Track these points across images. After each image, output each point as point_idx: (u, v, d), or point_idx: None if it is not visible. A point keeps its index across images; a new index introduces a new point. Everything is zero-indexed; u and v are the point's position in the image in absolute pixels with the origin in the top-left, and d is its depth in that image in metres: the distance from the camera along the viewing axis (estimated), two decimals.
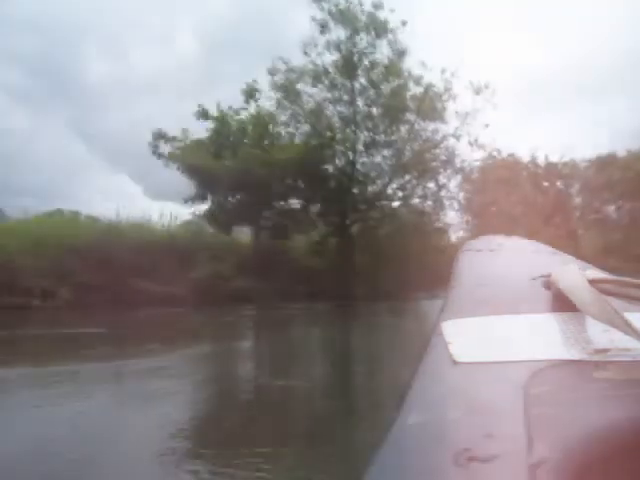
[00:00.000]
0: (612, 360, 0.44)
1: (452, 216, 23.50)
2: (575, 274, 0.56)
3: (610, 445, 0.34)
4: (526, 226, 22.96)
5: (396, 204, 22.89)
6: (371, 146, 22.11)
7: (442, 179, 22.67)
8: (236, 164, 19.54)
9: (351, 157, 22.03)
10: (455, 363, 0.46)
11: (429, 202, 22.87)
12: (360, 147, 22.11)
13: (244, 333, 11.19)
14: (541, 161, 28.09)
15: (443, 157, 22.28)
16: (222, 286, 16.17)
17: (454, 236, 24.34)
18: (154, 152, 20.67)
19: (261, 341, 10.15)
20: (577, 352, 0.45)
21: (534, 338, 0.50)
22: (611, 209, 29.23)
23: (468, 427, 0.36)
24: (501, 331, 0.53)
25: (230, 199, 21.04)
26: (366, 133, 22.07)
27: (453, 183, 23.04)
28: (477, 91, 21.25)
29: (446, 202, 23.01)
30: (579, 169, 28.77)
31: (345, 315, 14.64)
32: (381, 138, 22.16)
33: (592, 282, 0.51)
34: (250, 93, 21.36)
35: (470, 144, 22.06)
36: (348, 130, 21.61)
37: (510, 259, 0.96)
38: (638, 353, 0.43)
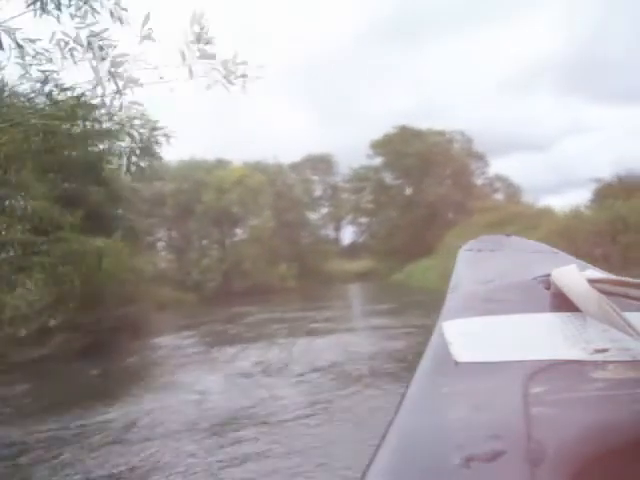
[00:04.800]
0: (612, 360, 0.45)
1: None
2: (575, 274, 0.56)
3: (610, 444, 0.34)
4: None
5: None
6: None
7: None
8: None
9: None
10: (456, 363, 0.47)
11: None
12: None
13: None
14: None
15: None
16: None
17: None
18: None
19: None
20: (577, 352, 0.46)
21: (534, 338, 0.51)
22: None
23: (468, 427, 0.37)
24: (501, 331, 0.53)
25: None
26: None
27: None
28: None
29: None
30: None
31: None
32: None
33: (592, 282, 0.51)
34: None
35: None
36: None
37: (510, 259, 0.97)
38: (638, 353, 0.44)
